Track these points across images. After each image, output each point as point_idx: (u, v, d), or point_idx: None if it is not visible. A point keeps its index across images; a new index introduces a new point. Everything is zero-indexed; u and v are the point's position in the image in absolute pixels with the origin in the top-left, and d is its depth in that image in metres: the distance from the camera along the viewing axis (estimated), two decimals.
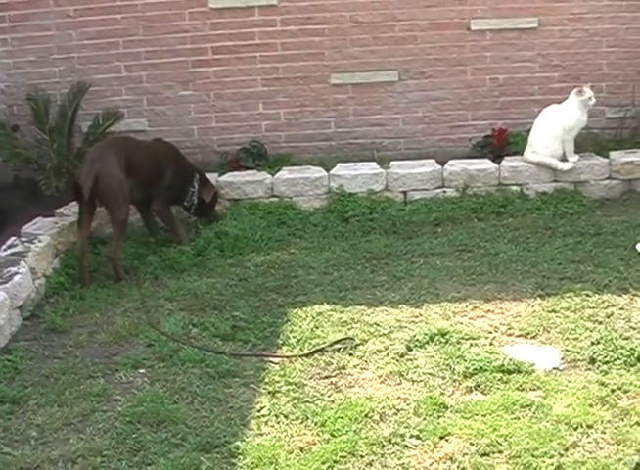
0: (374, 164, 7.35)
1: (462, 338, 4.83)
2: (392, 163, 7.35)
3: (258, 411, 4.25)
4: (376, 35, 7.72)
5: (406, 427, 4.02)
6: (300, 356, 4.77)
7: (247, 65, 7.81)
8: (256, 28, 7.74)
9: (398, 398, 4.29)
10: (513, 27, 7.67)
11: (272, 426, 4.12)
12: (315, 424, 4.09)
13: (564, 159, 7.03)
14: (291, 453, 3.87)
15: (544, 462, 3.66)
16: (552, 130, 6.98)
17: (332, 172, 7.19)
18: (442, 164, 7.23)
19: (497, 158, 7.35)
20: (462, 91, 7.83)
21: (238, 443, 3.96)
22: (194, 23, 7.74)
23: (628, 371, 4.36)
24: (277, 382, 4.50)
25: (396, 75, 7.80)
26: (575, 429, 3.89)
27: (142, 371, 4.72)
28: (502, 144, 7.54)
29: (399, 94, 7.85)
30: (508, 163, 7.16)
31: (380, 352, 4.78)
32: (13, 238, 6.01)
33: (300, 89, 7.85)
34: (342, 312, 5.27)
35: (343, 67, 7.80)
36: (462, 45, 7.72)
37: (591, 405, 4.07)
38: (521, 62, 7.77)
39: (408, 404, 4.22)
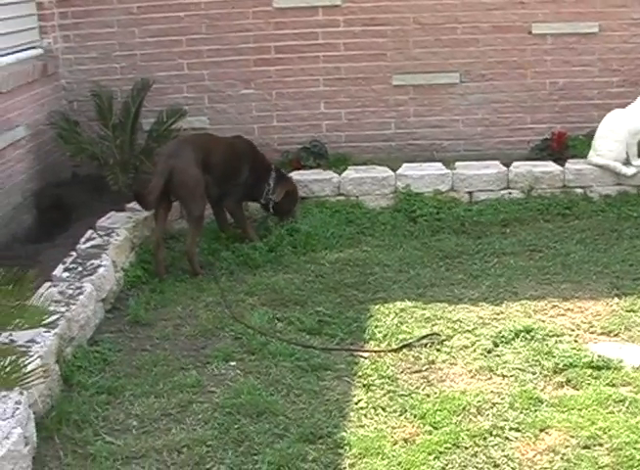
0: (439, 164, 7.38)
1: (547, 335, 4.90)
2: (457, 163, 7.38)
3: (356, 404, 4.32)
4: (438, 37, 7.75)
5: (504, 420, 4.09)
6: (389, 351, 4.84)
7: (309, 64, 7.85)
8: (320, 28, 7.78)
9: (492, 392, 4.36)
10: (573, 32, 7.69)
11: (371, 418, 4.19)
12: (414, 417, 4.16)
13: (627, 162, 7.07)
14: (395, 444, 3.95)
15: None
16: (616, 134, 7.01)
17: (398, 172, 7.23)
18: (505, 165, 7.27)
19: (556, 161, 7.37)
20: (522, 94, 7.86)
21: (343, 433, 4.03)
22: (257, 23, 7.79)
23: None
24: (370, 376, 4.57)
25: (457, 77, 7.84)
26: None
27: (233, 364, 4.78)
28: (561, 147, 7.56)
29: (460, 96, 7.88)
30: (572, 165, 7.20)
31: (466, 347, 4.85)
32: (90, 231, 6.06)
33: (362, 89, 7.88)
34: (424, 309, 5.33)
35: (405, 68, 7.83)
36: (523, 48, 7.75)
37: None
38: (580, 66, 7.79)
39: (502, 399, 4.29)
